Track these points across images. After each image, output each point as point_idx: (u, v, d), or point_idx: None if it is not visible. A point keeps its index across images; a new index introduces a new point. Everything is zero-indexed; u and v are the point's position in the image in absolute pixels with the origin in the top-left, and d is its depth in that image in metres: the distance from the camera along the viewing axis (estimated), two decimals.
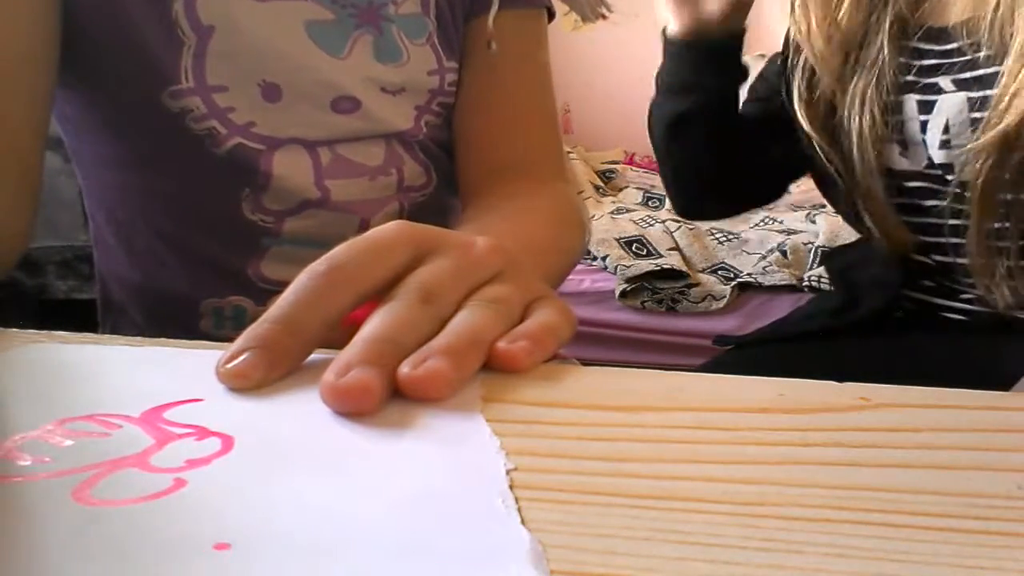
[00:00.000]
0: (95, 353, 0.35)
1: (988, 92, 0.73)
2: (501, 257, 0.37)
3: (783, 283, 1.85)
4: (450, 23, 0.70)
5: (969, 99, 0.75)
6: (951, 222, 0.78)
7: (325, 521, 0.23)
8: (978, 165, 0.72)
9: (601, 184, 2.58)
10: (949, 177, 0.77)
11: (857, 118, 0.79)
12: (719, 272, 1.95)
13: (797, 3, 0.83)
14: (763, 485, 0.25)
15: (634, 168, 2.69)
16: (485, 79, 0.71)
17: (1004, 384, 0.66)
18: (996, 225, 0.74)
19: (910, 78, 0.79)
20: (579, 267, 1.78)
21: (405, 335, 0.31)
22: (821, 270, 1.79)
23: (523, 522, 0.23)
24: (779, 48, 0.89)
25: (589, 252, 1.96)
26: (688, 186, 0.98)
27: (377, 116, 0.65)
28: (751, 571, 0.21)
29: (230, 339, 0.32)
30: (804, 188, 1.19)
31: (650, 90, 0.95)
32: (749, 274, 1.90)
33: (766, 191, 1.03)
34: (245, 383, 0.30)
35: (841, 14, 0.80)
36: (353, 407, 0.29)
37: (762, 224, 2.16)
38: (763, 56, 0.93)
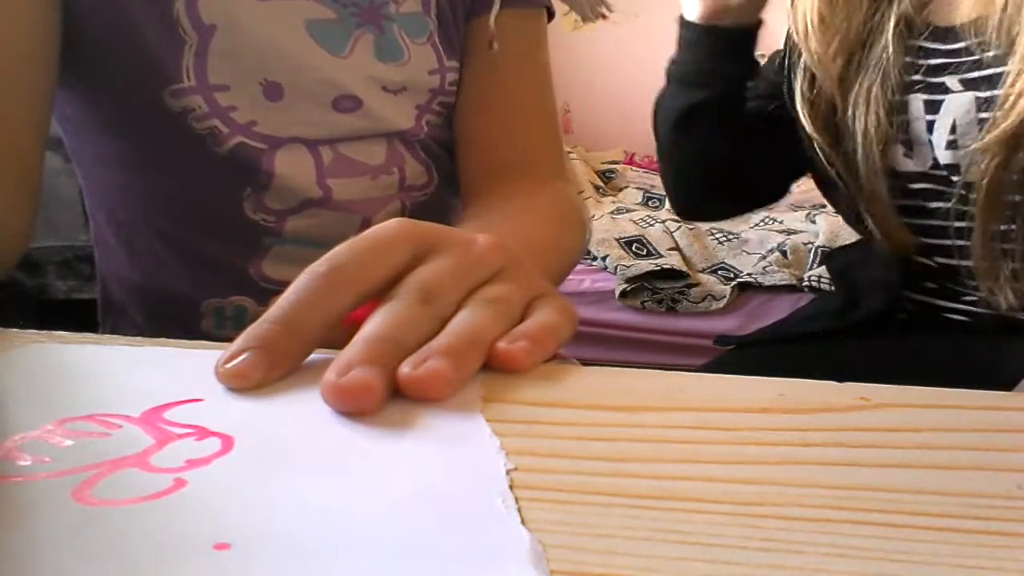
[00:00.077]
0: (95, 353, 0.35)
1: (996, 92, 0.72)
2: (502, 255, 0.37)
3: (783, 283, 1.85)
4: (451, 22, 0.70)
5: (977, 99, 0.74)
6: (955, 224, 0.77)
7: (325, 521, 0.23)
8: (983, 165, 0.72)
9: (601, 184, 2.58)
10: (954, 178, 0.77)
11: (862, 118, 0.79)
12: (719, 272, 1.95)
13: (797, 3, 0.83)
14: (763, 485, 0.25)
15: (634, 168, 2.70)
16: (486, 79, 0.71)
17: (1005, 385, 0.65)
18: (1001, 227, 0.74)
19: (916, 77, 0.78)
20: (579, 267, 1.78)
21: (406, 334, 0.31)
22: (821, 270, 1.79)
23: (523, 522, 0.23)
24: (779, 47, 0.89)
25: (589, 252, 1.97)
26: (690, 184, 0.97)
27: (378, 115, 0.65)
28: (751, 571, 0.21)
29: (231, 339, 0.32)
30: (804, 188, 1.19)
31: (650, 90, 0.95)
32: (749, 274, 1.90)
33: (767, 192, 1.03)
34: (245, 383, 0.30)
35: (840, 15, 0.80)
36: (354, 406, 0.29)
37: (762, 224, 2.16)
38: (763, 56, 0.93)
